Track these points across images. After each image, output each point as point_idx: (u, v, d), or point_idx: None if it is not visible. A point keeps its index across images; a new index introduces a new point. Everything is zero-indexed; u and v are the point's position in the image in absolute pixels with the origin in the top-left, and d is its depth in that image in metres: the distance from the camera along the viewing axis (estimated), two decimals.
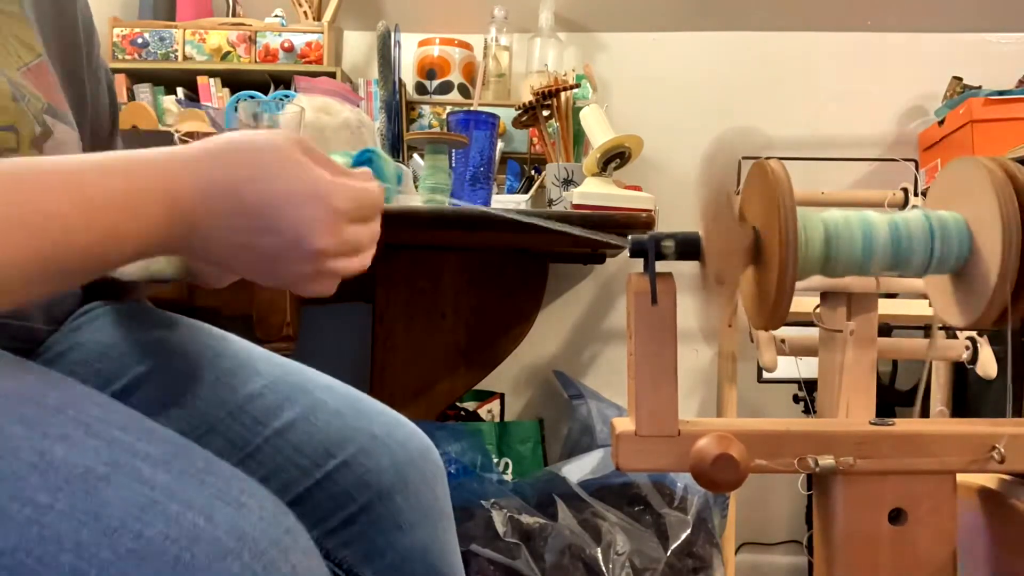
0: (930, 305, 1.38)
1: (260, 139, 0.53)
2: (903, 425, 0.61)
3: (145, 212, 0.49)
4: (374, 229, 0.58)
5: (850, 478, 0.59)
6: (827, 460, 0.58)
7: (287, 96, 1.79)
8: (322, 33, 1.87)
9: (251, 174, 0.52)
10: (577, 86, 1.63)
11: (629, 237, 0.59)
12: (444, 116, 1.91)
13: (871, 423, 0.61)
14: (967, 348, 1.45)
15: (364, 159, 0.66)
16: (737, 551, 1.86)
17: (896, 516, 0.59)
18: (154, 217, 0.49)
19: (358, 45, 2.08)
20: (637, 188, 1.64)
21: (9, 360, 0.53)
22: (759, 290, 0.60)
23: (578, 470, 1.45)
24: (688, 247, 0.59)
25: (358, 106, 1.40)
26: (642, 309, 0.58)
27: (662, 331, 0.59)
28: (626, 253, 2.04)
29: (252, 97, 1.80)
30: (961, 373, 1.64)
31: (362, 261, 0.57)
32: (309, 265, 0.53)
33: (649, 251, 0.58)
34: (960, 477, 0.61)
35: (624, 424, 0.61)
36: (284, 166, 0.52)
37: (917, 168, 1.92)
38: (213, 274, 0.70)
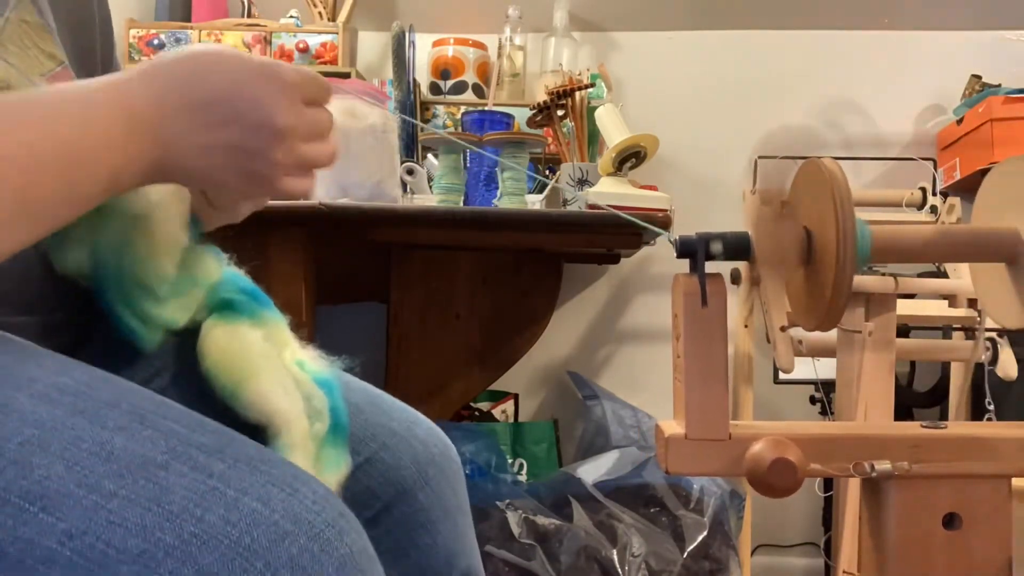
0: (971, 307, 1.37)
1: (199, 45, 0.58)
2: (956, 428, 0.60)
3: (105, 129, 0.51)
4: (329, 112, 0.59)
5: (904, 482, 0.58)
6: (884, 465, 0.57)
7: None
8: (337, 34, 1.87)
9: (196, 71, 0.54)
10: (592, 85, 1.62)
11: (677, 237, 0.58)
12: (458, 116, 1.91)
13: (923, 426, 0.60)
14: (987, 349, 1.43)
15: None
16: (753, 553, 1.85)
17: (950, 521, 0.58)
18: (115, 135, 0.51)
19: (372, 45, 2.08)
20: (652, 188, 1.63)
21: (53, 356, 0.54)
22: (810, 291, 0.59)
23: (593, 471, 1.44)
24: (737, 247, 0.58)
25: (385, 107, 1.40)
26: (691, 310, 0.57)
27: (712, 332, 0.58)
28: (641, 254, 2.03)
29: None
30: (980, 374, 1.62)
31: (332, 146, 0.58)
32: (279, 149, 0.54)
33: (698, 252, 0.57)
34: (1016, 482, 0.60)
35: (672, 427, 0.60)
36: (224, 58, 0.55)
37: (936, 167, 1.90)
38: (214, 213, 0.70)
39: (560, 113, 1.58)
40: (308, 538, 0.46)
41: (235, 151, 0.54)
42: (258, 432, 0.62)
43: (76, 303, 0.66)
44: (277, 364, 0.65)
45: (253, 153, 0.54)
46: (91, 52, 0.73)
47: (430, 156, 1.68)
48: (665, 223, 1.31)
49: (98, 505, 0.44)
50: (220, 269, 0.69)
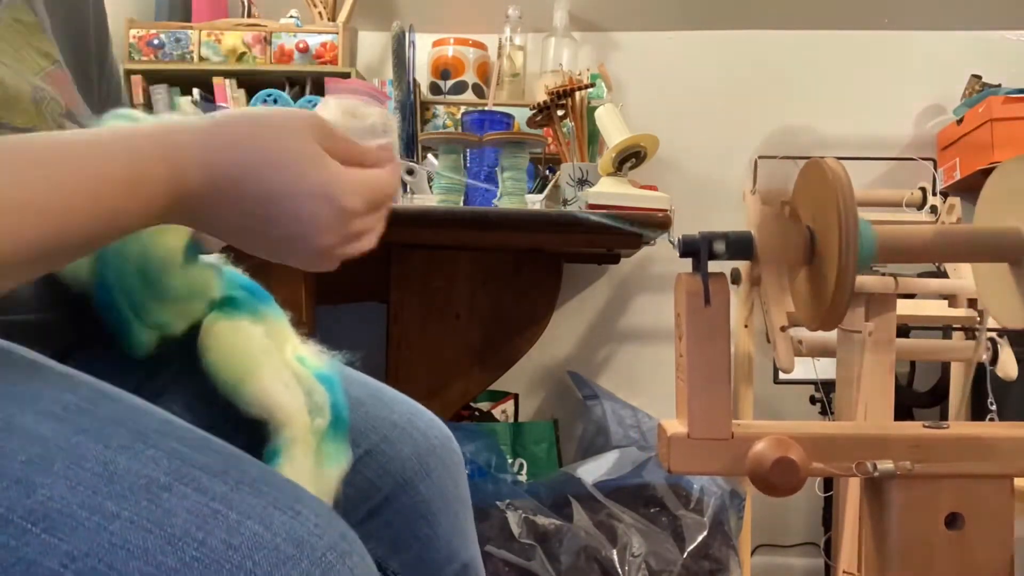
0: (971, 307, 1.37)
1: (276, 119, 0.52)
2: (958, 428, 0.60)
3: (147, 192, 0.49)
4: (383, 215, 0.58)
5: (906, 482, 0.58)
6: (886, 464, 0.57)
7: (311, 101, 1.79)
8: (337, 33, 1.87)
9: (257, 160, 0.50)
10: (592, 85, 1.62)
11: (680, 237, 0.58)
12: (458, 116, 1.91)
13: (925, 426, 0.60)
14: (987, 349, 1.43)
15: None
16: (753, 553, 1.85)
17: (952, 521, 0.58)
18: (157, 198, 0.49)
19: (373, 45, 2.08)
20: (652, 187, 1.63)
21: (60, 371, 0.53)
22: (813, 290, 0.59)
23: (593, 471, 1.44)
24: (740, 247, 0.58)
25: (385, 107, 1.40)
26: (693, 309, 0.57)
27: (714, 332, 0.58)
28: (641, 254, 2.02)
29: (273, 96, 1.80)
30: (980, 374, 1.62)
31: (369, 241, 0.58)
32: (313, 256, 0.54)
33: (701, 251, 0.57)
34: (1018, 482, 0.60)
35: (675, 426, 0.60)
36: (293, 156, 0.51)
37: (936, 167, 1.90)
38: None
39: (560, 113, 1.58)
40: (310, 562, 0.46)
41: (268, 243, 0.53)
42: (259, 427, 0.62)
43: (76, 302, 0.66)
44: (278, 360, 0.65)
45: (285, 251, 0.54)
46: (86, 50, 0.73)
47: (430, 156, 1.68)
48: (665, 223, 1.31)
49: (100, 527, 0.44)
50: (220, 286, 0.69)
